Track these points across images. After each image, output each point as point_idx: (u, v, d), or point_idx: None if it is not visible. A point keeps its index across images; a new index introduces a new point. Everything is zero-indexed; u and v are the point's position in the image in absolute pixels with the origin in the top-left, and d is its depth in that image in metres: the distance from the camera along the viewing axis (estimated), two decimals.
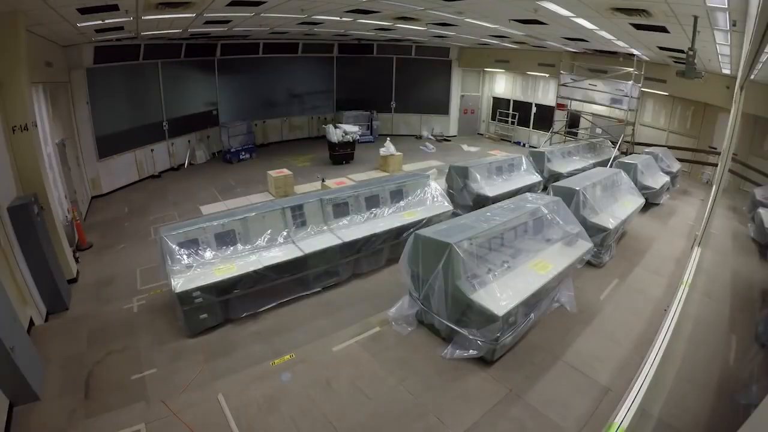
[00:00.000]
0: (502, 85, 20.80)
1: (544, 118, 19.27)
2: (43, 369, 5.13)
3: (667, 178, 11.81)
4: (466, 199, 9.83)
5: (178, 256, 6.00)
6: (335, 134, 14.77)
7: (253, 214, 6.78)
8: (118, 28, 9.36)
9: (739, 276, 8.03)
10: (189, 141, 15.50)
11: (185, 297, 5.57)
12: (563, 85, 16.04)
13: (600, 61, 15.54)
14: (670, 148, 14.28)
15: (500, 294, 5.14)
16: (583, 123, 17.93)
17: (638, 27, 7.92)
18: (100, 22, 7.97)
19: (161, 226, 7.18)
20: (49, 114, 9.15)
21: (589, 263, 7.60)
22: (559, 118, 17.72)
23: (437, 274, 5.42)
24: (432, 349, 5.67)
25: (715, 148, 14.10)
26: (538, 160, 12.20)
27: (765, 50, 6.03)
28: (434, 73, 20.35)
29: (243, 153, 15.89)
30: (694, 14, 6.11)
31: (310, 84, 19.42)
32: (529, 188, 10.56)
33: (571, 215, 7.01)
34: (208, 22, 10.46)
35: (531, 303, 5.60)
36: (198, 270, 5.94)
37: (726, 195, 12.79)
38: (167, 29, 10.88)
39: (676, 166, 13.21)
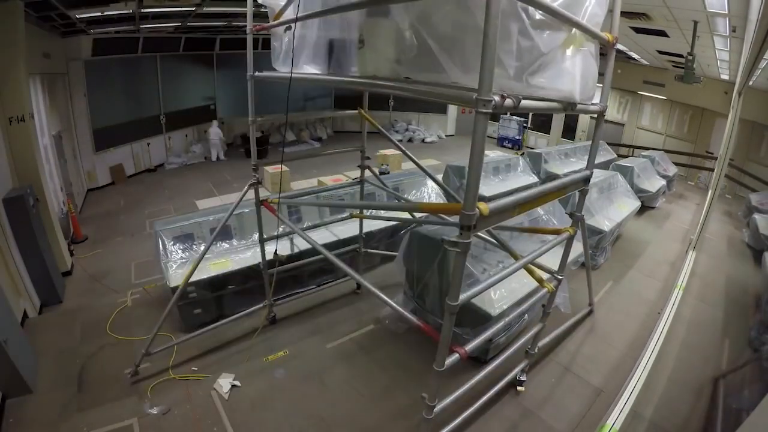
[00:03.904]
0: None
1: (542, 120, 19.32)
2: (36, 362, 5.11)
3: (663, 182, 11.85)
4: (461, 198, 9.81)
5: (173, 251, 5.98)
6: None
7: (249, 209, 6.76)
8: (120, 19, 9.33)
9: (733, 281, 8.07)
10: (186, 135, 15.52)
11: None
12: None
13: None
14: (667, 152, 14.34)
15: (495, 294, 5.14)
16: (580, 126, 18.01)
17: (638, 30, 7.95)
18: (99, 14, 7.95)
19: (157, 219, 7.16)
20: (46, 105, 9.09)
21: (583, 265, 7.62)
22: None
23: (432, 273, 5.42)
24: (425, 347, 5.67)
25: (712, 153, 14.17)
26: (535, 161, 12.22)
27: (764, 56, 6.06)
28: None
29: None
30: (694, 19, 6.13)
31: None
32: (526, 189, 10.54)
33: (566, 217, 7.01)
34: (207, 16, 10.45)
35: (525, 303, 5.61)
36: None
37: (722, 200, 12.86)
38: (167, 22, 10.86)
39: (672, 170, 13.27)
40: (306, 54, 4.14)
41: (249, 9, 4.51)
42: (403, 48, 3.07)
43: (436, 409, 3.33)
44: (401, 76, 3.18)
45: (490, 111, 2.25)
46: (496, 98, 2.27)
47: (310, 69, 4.19)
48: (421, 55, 2.89)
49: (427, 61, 2.82)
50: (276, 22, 4.24)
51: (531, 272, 4.17)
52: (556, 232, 4.44)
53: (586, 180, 4.15)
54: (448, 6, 2.62)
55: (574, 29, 2.84)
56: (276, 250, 5.41)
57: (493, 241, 4.91)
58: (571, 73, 2.93)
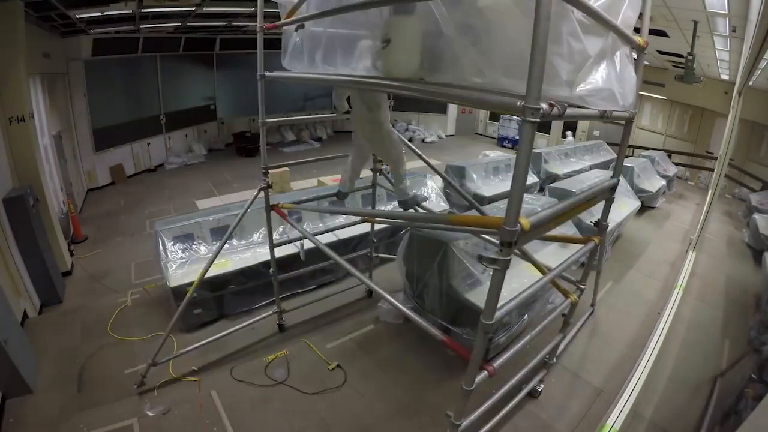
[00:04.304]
0: None
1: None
2: (36, 362, 5.11)
3: (663, 182, 11.83)
4: (462, 199, 9.80)
5: (173, 251, 5.98)
6: None
7: (250, 210, 6.74)
8: (120, 19, 9.34)
9: (733, 281, 8.06)
10: (186, 135, 15.53)
11: (180, 292, 5.56)
12: None
13: None
14: (667, 152, 14.33)
15: None
16: (580, 126, 18.01)
17: (638, 30, 7.94)
18: (99, 14, 7.95)
19: (157, 219, 7.15)
20: (46, 105, 9.09)
21: (583, 265, 7.61)
22: None
23: (432, 273, 5.42)
24: (425, 347, 5.67)
25: (712, 153, 14.17)
26: (535, 161, 12.20)
27: (764, 56, 6.06)
28: None
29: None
30: (694, 19, 6.13)
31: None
32: (525, 189, 10.53)
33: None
34: (207, 16, 10.45)
35: (525, 303, 5.61)
36: (193, 265, 5.93)
37: (722, 200, 12.85)
38: (167, 22, 10.86)
39: (672, 170, 13.26)
40: (319, 53, 3.90)
41: (260, 7, 4.43)
42: (433, 48, 2.82)
43: (461, 427, 3.18)
44: (429, 78, 2.94)
45: (538, 120, 2.06)
46: (545, 106, 2.09)
47: (324, 68, 3.95)
48: (454, 55, 2.64)
49: (460, 63, 2.59)
50: (290, 20, 4.06)
51: (556, 285, 4.14)
52: (582, 241, 4.38)
53: (613, 189, 4.06)
54: (487, 3, 2.39)
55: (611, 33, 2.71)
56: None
57: (495, 240, 4.90)
58: (614, 78, 2.79)
